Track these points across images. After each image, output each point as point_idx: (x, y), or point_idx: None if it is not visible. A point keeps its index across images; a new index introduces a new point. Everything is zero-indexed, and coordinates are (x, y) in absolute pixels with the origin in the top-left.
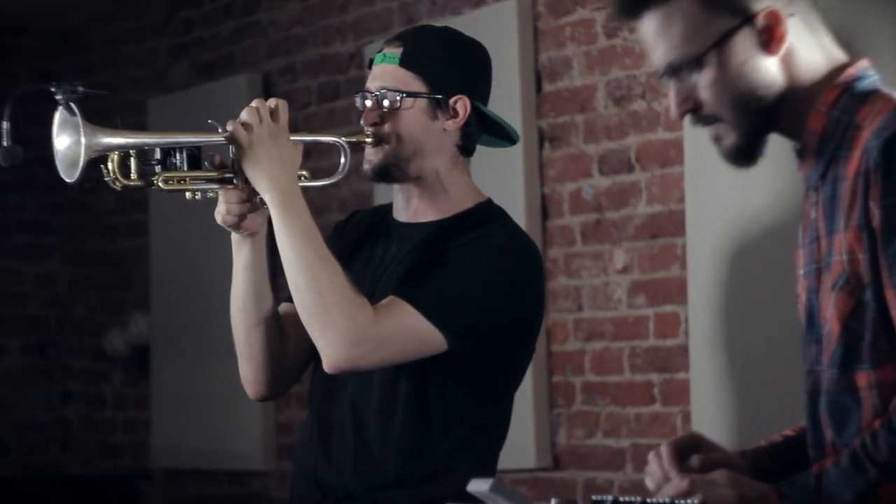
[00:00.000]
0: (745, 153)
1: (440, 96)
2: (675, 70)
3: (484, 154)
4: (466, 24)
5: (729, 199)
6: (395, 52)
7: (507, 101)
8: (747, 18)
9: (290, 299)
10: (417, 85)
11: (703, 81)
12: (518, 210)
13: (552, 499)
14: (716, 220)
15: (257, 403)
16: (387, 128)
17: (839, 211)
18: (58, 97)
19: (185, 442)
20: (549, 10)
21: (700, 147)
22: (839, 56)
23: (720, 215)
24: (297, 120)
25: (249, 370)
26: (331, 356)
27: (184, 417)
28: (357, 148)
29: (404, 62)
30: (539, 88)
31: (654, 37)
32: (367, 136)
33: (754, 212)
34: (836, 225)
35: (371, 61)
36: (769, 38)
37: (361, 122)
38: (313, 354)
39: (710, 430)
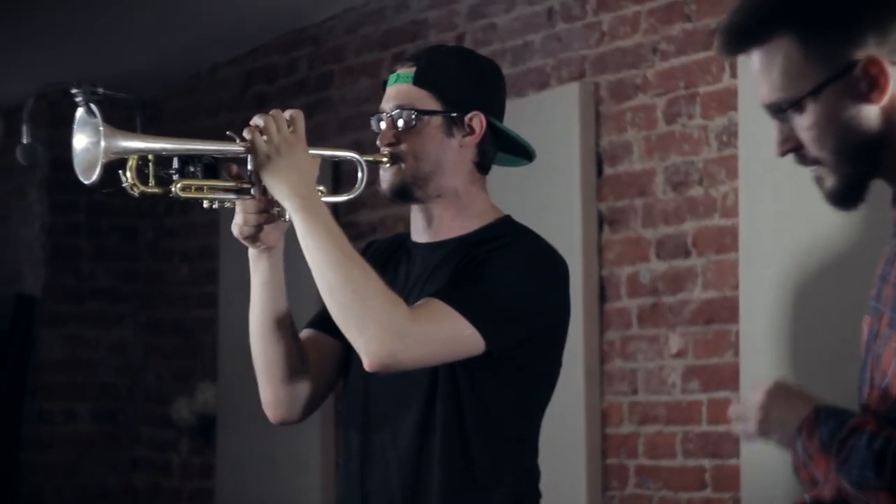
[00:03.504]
0: (845, 197)
1: (455, 113)
2: (776, 111)
3: (542, 234)
4: (530, 106)
5: (782, 288)
6: (409, 71)
7: (567, 183)
8: (849, 66)
9: (310, 325)
10: (432, 103)
11: (803, 124)
12: (576, 291)
13: None
14: (768, 307)
15: (318, 475)
16: (403, 147)
17: None
18: (78, 98)
19: None
20: (610, 95)
21: (754, 234)
22: None
23: (773, 302)
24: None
25: (269, 391)
26: (372, 352)
27: (248, 488)
28: (375, 170)
29: (418, 80)
30: (600, 172)
31: (758, 74)
32: (384, 155)
33: (807, 301)
34: None
35: (385, 83)
36: (870, 87)
37: (378, 141)
38: (336, 379)
39: None
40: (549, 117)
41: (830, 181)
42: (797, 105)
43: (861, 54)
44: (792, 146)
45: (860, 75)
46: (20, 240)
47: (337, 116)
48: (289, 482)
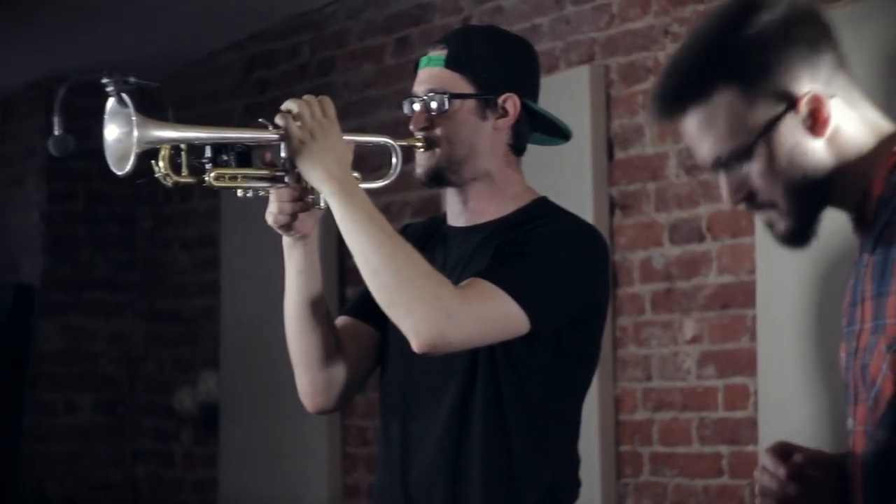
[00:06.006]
0: (799, 237)
1: (488, 96)
2: (725, 164)
3: None
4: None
5: (800, 272)
6: (440, 53)
7: (578, 168)
8: (791, 104)
9: (346, 312)
10: (464, 86)
11: (755, 171)
12: None
13: None
14: (786, 291)
15: (324, 464)
16: (437, 131)
17: (890, 273)
18: (109, 88)
19: (252, 502)
20: (621, 78)
21: None
22: (885, 126)
23: (791, 287)
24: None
25: (306, 380)
26: (421, 333)
27: (251, 477)
28: (409, 153)
29: (450, 63)
30: (611, 156)
31: (699, 133)
32: (418, 140)
33: (825, 284)
34: (888, 287)
35: (416, 65)
36: (814, 122)
37: (411, 126)
38: (373, 367)
39: None
40: (558, 101)
41: (783, 224)
42: (748, 153)
43: (800, 90)
44: (745, 194)
45: (803, 111)
46: (18, 229)
47: (340, 102)
48: (294, 471)
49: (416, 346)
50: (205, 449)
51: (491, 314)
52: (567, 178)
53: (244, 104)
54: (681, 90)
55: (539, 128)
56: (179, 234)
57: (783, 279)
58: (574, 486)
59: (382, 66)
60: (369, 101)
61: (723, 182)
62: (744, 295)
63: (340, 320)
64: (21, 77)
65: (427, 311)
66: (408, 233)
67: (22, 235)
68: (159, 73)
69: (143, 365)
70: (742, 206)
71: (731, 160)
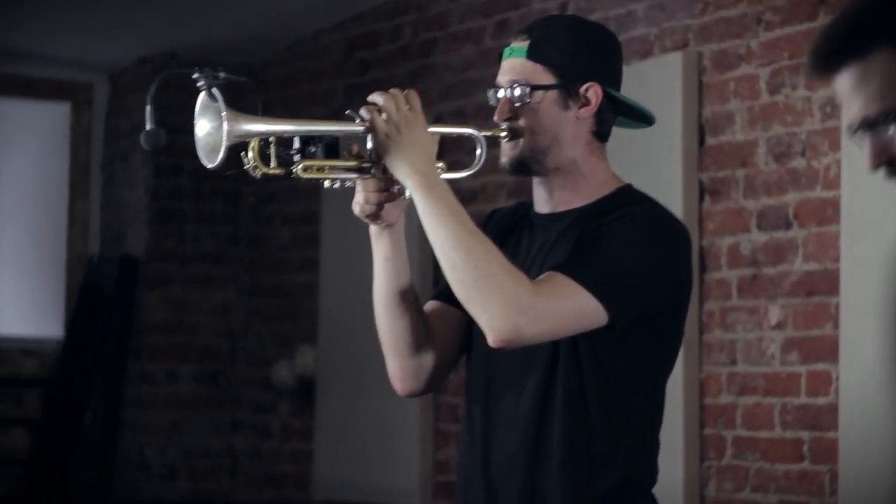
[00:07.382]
0: None
1: (570, 86)
2: (872, 124)
3: None
4: (632, 75)
5: (884, 261)
6: (522, 44)
7: (669, 153)
8: None
9: (435, 296)
10: (546, 77)
11: None
12: None
13: None
14: (870, 280)
15: (416, 440)
16: (521, 122)
17: None
18: (200, 83)
19: (346, 475)
20: (714, 65)
21: (856, 206)
22: None
23: (874, 275)
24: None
25: (396, 365)
26: (495, 328)
27: (345, 451)
28: (493, 142)
29: (531, 54)
30: (702, 142)
31: (851, 91)
32: (502, 130)
33: None
34: None
35: (500, 56)
36: None
37: (495, 117)
38: (461, 350)
39: (858, 492)
40: (651, 86)
41: None
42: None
43: None
44: (886, 159)
45: None
46: (125, 202)
47: (440, 83)
48: (386, 446)
49: (491, 340)
50: (301, 422)
51: (566, 309)
52: (658, 164)
53: (345, 84)
54: (840, 46)
55: (623, 112)
56: (282, 210)
57: (867, 268)
58: (652, 472)
59: (482, 48)
60: (469, 83)
61: (866, 145)
62: (828, 282)
63: (429, 305)
64: (131, 53)
65: (502, 307)
66: (495, 218)
67: (128, 209)
68: (266, 53)
69: (243, 338)
70: (882, 172)
71: (878, 122)
